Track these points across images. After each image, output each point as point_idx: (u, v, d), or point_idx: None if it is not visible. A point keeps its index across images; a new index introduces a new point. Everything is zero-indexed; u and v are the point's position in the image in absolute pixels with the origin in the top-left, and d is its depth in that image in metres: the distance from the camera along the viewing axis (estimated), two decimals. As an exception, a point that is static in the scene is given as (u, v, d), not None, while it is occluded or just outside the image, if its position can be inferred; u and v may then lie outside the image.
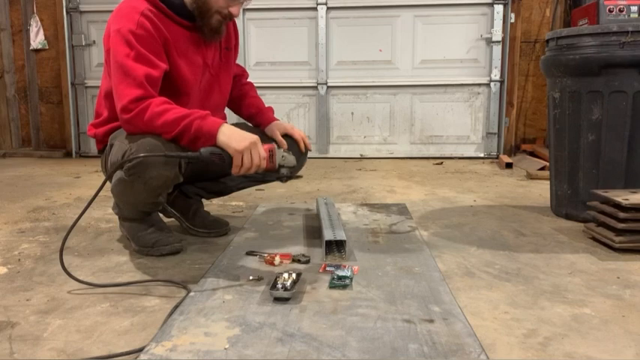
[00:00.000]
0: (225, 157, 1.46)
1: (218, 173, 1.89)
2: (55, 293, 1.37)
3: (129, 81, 1.49)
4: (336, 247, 1.64)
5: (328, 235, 1.62)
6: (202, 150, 1.45)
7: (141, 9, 1.54)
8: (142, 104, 1.48)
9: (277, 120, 1.91)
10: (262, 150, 1.50)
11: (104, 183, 1.40)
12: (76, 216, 1.38)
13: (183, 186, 1.93)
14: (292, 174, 1.60)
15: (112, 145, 1.62)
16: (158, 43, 1.56)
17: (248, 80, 2.02)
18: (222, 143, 1.46)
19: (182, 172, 1.59)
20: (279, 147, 1.57)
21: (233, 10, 1.63)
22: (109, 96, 1.62)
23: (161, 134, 1.49)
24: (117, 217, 1.81)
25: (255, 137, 1.48)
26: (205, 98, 1.76)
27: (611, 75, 1.95)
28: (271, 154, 1.53)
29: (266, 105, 1.95)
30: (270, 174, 1.59)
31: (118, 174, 1.55)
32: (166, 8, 1.59)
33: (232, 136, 1.46)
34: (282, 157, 1.57)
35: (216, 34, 1.68)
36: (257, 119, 1.92)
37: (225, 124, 1.50)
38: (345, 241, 1.61)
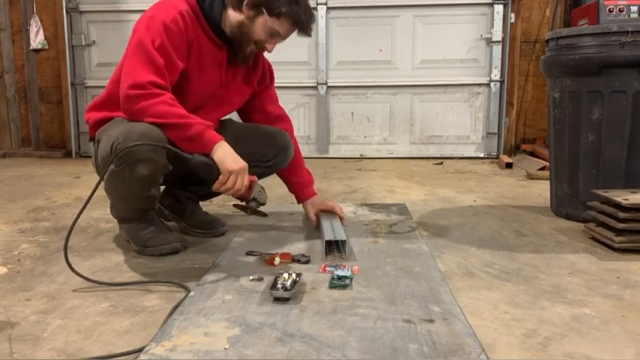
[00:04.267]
0: (214, 171, 1.49)
1: (197, 179, 1.89)
2: (55, 293, 1.37)
3: (150, 65, 1.50)
4: (336, 247, 1.64)
5: (328, 235, 1.62)
6: (196, 156, 1.48)
7: (180, 8, 1.57)
8: (157, 90, 1.49)
9: (316, 195, 1.93)
10: (247, 179, 1.53)
11: (99, 182, 1.41)
12: (76, 216, 1.38)
13: (173, 191, 1.93)
14: (259, 210, 1.68)
15: (99, 142, 1.61)
16: (184, 43, 1.58)
17: (294, 137, 1.96)
18: (217, 158, 1.48)
19: (171, 162, 1.59)
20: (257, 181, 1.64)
21: (269, 46, 1.66)
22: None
23: (158, 118, 1.48)
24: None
25: (245, 164, 1.51)
26: (209, 113, 1.74)
27: (611, 75, 1.95)
28: (251, 185, 1.59)
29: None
30: (239, 201, 1.67)
31: (111, 174, 1.55)
32: (203, 19, 1.61)
33: (228, 154, 1.49)
34: (259, 192, 1.63)
35: (245, 61, 1.72)
36: (296, 188, 1.93)
37: (224, 142, 1.51)
38: (345, 241, 1.61)
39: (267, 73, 1.90)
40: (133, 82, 1.49)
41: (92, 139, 1.73)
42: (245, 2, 1.58)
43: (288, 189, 1.95)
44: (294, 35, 1.70)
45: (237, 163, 1.49)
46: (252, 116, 1.93)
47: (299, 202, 1.95)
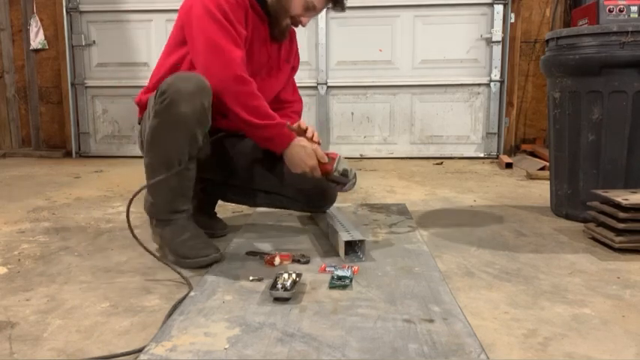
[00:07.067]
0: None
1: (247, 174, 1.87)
2: (55, 293, 1.37)
3: (226, 58, 1.53)
4: (352, 247, 1.60)
5: (345, 235, 1.59)
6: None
7: None
8: (248, 80, 1.55)
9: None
10: (319, 172, 1.63)
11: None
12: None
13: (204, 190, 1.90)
14: (346, 184, 1.70)
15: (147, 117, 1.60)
16: (241, 11, 1.61)
17: (299, 111, 2.06)
18: (286, 158, 1.63)
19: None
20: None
21: (304, 19, 1.71)
22: (174, 68, 1.63)
23: (247, 113, 1.55)
24: (143, 226, 1.76)
25: (313, 163, 1.61)
26: (265, 84, 1.75)
27: (611, 75, 1.95)
28: (331, 161, 1.66)
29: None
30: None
31: (151, 122, 1.51)
32: None
33: (294, 157, 1.61)
34: (339, 162, 1.66)
35: (282, 36, 1.76)
36: None
37: (295, 143, 1.61)
38: (364, 240, 1.59)
39: (297, 57, 1.95)
40: (233, 73, 1.52)
41: (140, 120, 1.72)
42: None
43: None
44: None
45: (298, 167, 1.62)
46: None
47: None
